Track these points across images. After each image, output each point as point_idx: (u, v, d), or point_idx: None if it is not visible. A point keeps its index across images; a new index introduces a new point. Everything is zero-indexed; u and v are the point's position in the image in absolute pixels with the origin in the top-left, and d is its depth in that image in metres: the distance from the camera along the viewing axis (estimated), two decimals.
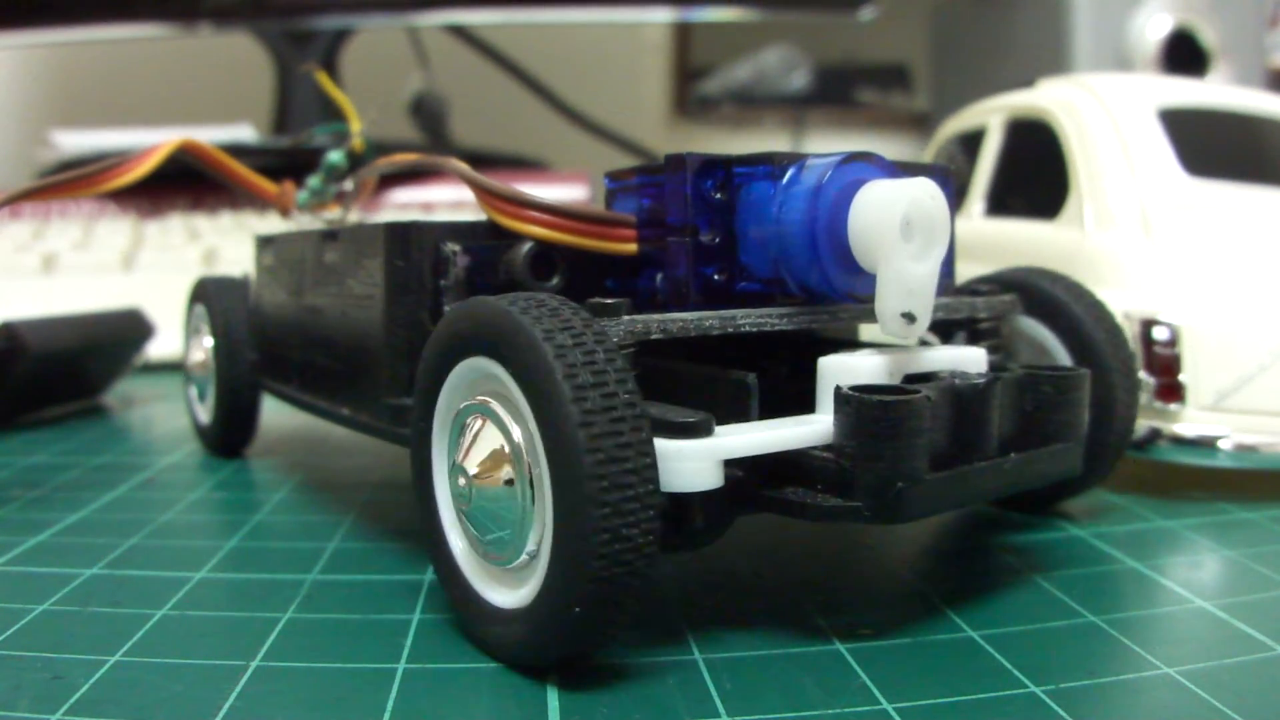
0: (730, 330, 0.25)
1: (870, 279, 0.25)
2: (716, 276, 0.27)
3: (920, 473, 0.22)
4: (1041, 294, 0.32)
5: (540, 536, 0.22)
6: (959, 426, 0.24)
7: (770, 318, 0.26)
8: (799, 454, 0.23)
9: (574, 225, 0.27)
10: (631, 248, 0.28)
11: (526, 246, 0.28)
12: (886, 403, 0.22)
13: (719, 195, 0.26)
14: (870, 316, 0.26)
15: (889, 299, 0.24)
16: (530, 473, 0.22)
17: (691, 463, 0.22)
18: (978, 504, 0.25)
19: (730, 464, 0.23)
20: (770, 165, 0.26)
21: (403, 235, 0.28)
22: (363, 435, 0.48)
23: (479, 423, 0.23)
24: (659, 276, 0.27)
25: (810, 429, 0.23)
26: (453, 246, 0.28)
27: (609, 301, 0.24)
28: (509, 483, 0.22)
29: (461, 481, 0.23)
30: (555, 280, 0.28)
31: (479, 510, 0.23)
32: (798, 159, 0.26)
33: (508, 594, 0.23)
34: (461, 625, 0.25)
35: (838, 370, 0.25)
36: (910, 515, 0.23)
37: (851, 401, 0.23)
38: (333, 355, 0.33)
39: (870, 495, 0.22)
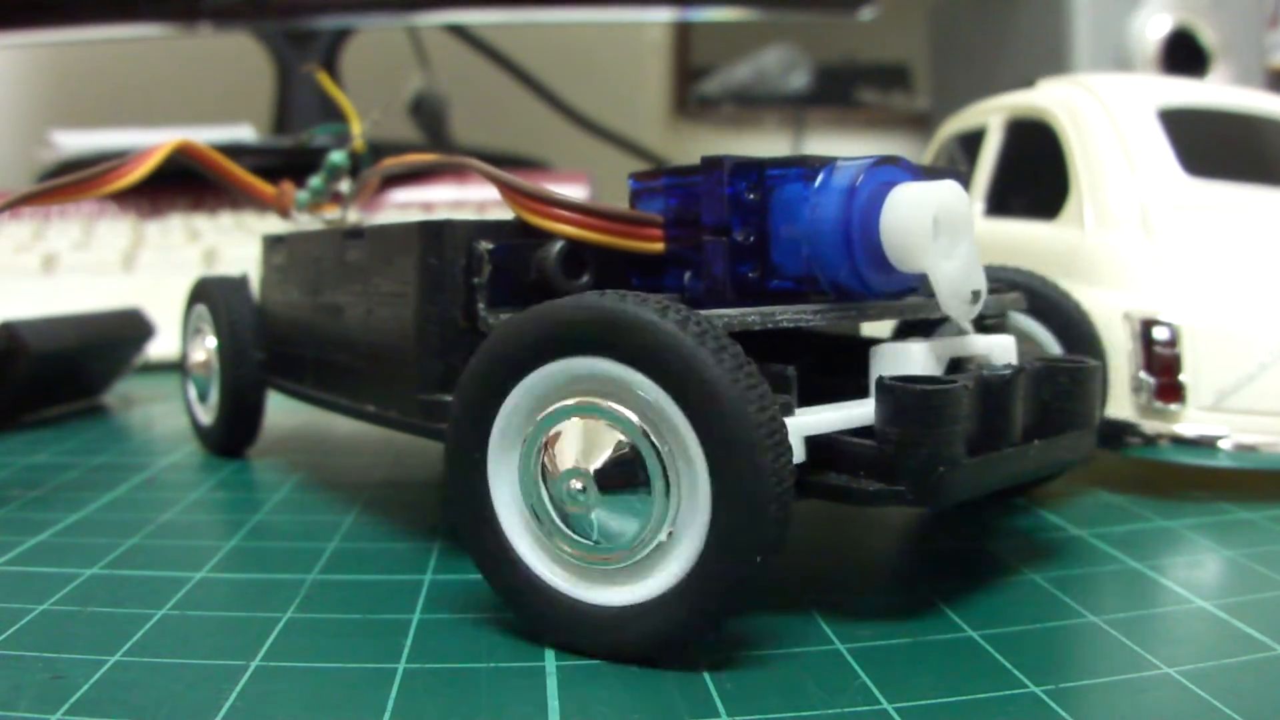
0: (770, 325, 0.26)
1: (899, 276, 0.26)
2: (750, 274, 0.28)
3: (959, 458, 0.24)
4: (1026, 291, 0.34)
5: (673, 523, 0.22)
6: (988, 415, 0.26)
7: (806, 314, 0.27)
8: (838, 441, 0.25)
9: (604, 224, 0.28)
10: (659, 247, 0.29)
11: (558, 245, 0.28)
12: (928, 391, 0.23)
13: (752, 196, 0.27)
14: (896, 311, 0.28)
15: (951, 287, 0.26)
16: (666, 464, 0.22)
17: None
18: (1007, 486, 0.26)
19: None
20: (803, 168, 0.27)
21: (437, 233, 0.29)
22: (364, 435, 0.48)
23: (586, 423, 0.23)
24: (687, 275, 0.28)
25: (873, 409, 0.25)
26: (485, 245, 0.28)
27: (664, 298, 0.25)
28: (639, 480, 0.23)
29: (575, 484, 0.23)
30: (585, 278, 0.28)
31: (589, 513, 0.23)
32: (829, 162, 0.27)
33: (624, 591, 0.23)
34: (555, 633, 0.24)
35: (891, 355, 0.26)
36: (951, 498, 0.24)
37: (894, 391, 0.24)
38: (355, 353, 0.34)
39: (913, 479, 0.23)
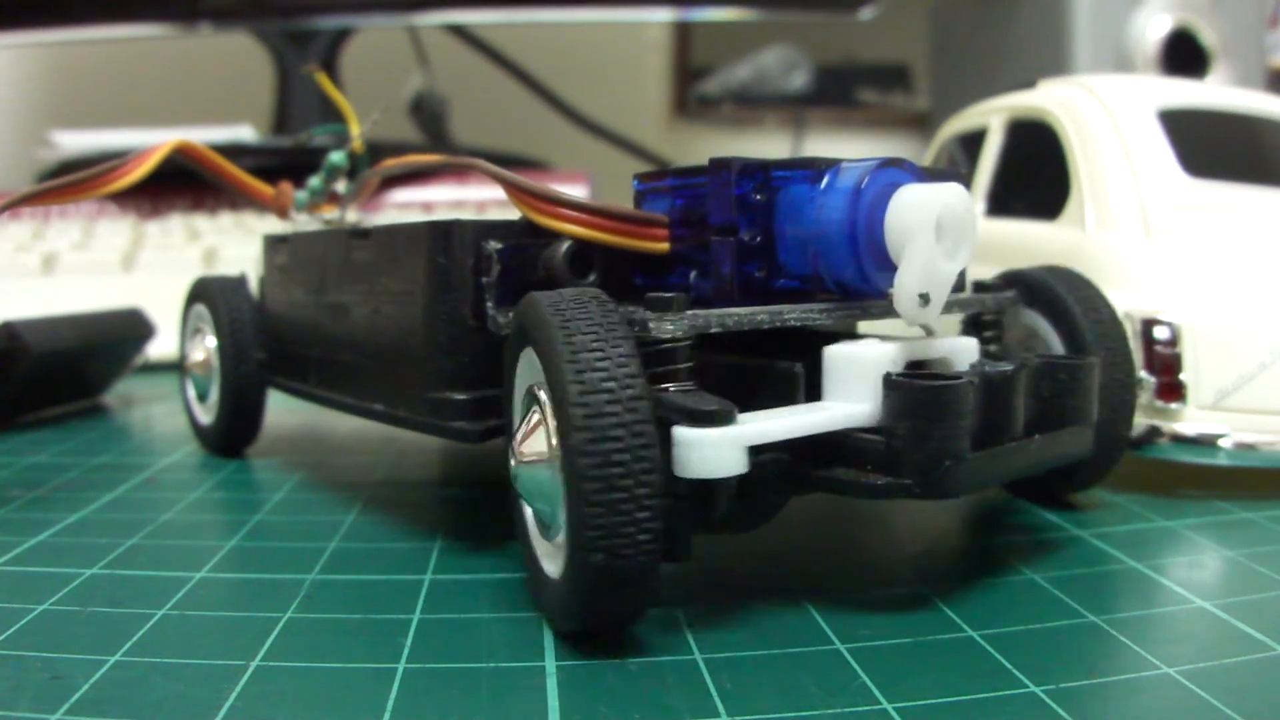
0: (778, 324, 0.27)
1: None
2: (757, 274, 0.28)
3: (964, 452, 0.24)
4: (1052, 293, 0.33)
5: (561, 511, 0.23)
6: (991, 410, 0.26)
7: (813, 312, 0.27)
8: (845, 436, 0.25)
9: (610, 224, 0.28)
10: (664, 246, 0.29)
11: (565, 244, 0.28)
12: (935, 387, 0.24)
13: (759, 197, 0.28)
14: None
15: (909, 279, 0.26)
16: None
17: (713, 450, 0.23)
18: (1009, 480, 0.27)
19: (776, 448, 0.24)
20: (809, 169, 0.27)
21: (446, 233, 0.29)
22: (364, 435, 0.48)
23: (531, 407, 0.24)
24: (693, 274, 0.29)
25: (824, 414, 0.25)
26: (494, 244, 0.28)
27: (667, 296, 0.25)
28: (543, 462, 0.23)
29: (513, 461, 0.24)
30: (592, 277, 0.29)
31: (528, 487, 0.24)
32: (834, 163, 0.27)
33: (550, 565, 0.24)
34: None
35: (843, 359, 0.26)
36: (956, 491, 0.24)
37: (902, 387, 0.24)
38: (361, 352, 0.34)
39: (920, 473, 0.24)
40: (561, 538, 0.23)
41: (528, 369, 0.25)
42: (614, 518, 0.21)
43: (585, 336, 0.22)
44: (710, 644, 0.24)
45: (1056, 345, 0.33)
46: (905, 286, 0.26)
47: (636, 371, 0.22)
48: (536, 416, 0.24)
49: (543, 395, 0.24)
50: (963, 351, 0.29)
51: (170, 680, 0.22)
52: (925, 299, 0.26)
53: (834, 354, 0.26)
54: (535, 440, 0.23)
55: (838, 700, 0.21)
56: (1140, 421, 0.35)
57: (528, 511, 0.26)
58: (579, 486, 0.21)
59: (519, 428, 0.24)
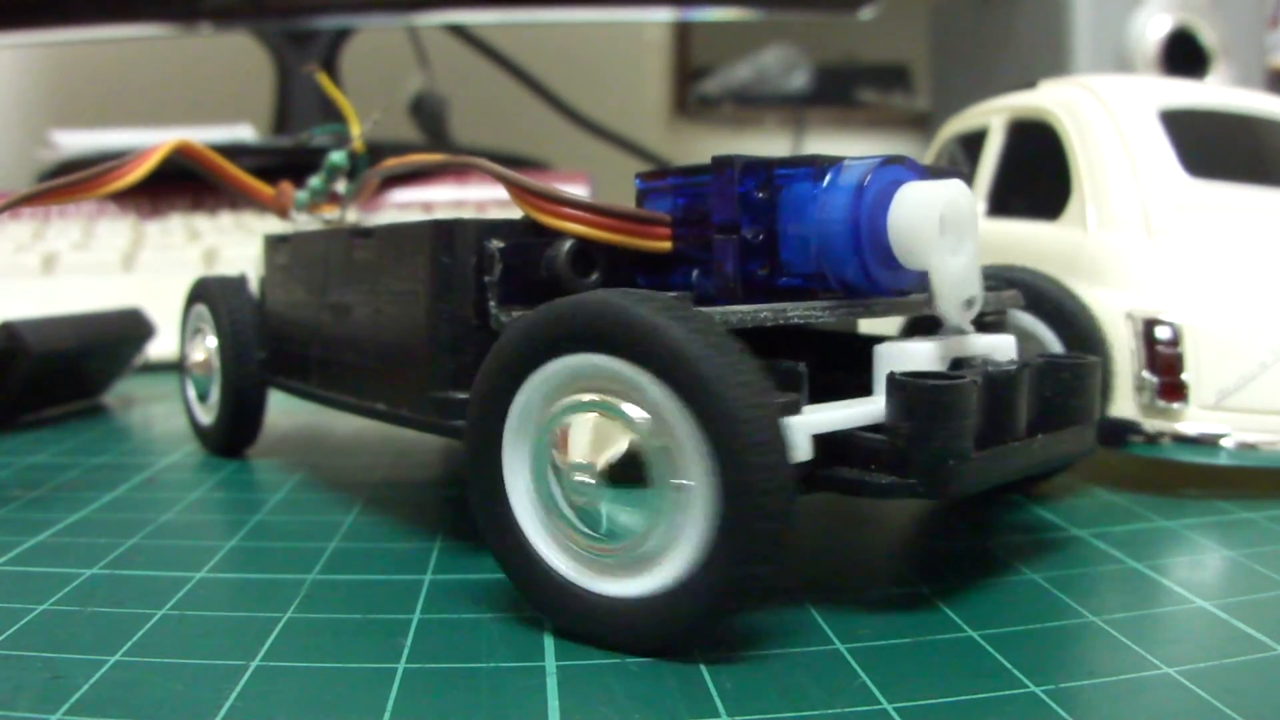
0: (781, 322, 0.27)
1: (906, 274, 0.27)
2: (760, 272, 0.28)
3: (968, 451, 0.24)
4: (1028, 288, 0.35)
5: (676, 519, 0.22)
6: (994, 410, 0.26)
7: (815, 310, 0.27)
8: (849, 436, 0.25)
9: (613, 223, 0.28)
10: (666, 245, 0.29)
11: (568, 244, 0.28)
12: (939, 387, 0.24)
13: (761, 195, 0.28)
14: (903, 308, 0.29)
15: (948, 290, 0.27)
16: (668, 460, 0.22)
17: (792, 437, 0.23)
18: (1013, 479, 0.27)
19: None
20: (812, 167, 0.27)
21: (448, 232, 0.29)
22: (364, 435, 0.48)
23: (593, 418, 0.23)
24: (695, 273, 0.29)
25: (878, 407, 0.25)
26: (496, 243, 0.29)
27: (675, 295, 0.25)
28: (642, 475, 0.23)
29: (581, 477, 0.23)
30: (594, 277, 0.29)
31: (593, 506, 0.23)
32: (836, 161, 0.27)
33: (629, 584, 0.23)
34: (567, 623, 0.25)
35: (894, 355, 0.27)
36: (960, 491, 0.24)
37: (906, 387, 0.24)
38: (363, 351, 0.34)
39: (924, 473, 0.24)
40: (667, 554, 0.23)
41: (574, 374, 0.24)
42: (771, 523, 0.21)
43: (726, 355, 0.22)
44: (711, 644, 0.24)
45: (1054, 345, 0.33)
46: (948, 298, 0.26)
47: (763, 379, 0.22)
48: (612, 430, 0.23)
49: (626, 406, 0.23)
50: (1003, 348, 0.29)
51: (170, 680, 0.22)
52: (971, 303, 0.27)
53: (885, 351, 0.27)
54: (616, 454, 0.23)
55: (838, 700, 0.21)
56: (1141, 421, 0.36)
57: (534, 525, 0.25)
58: (752, 500, 0.21)
59: (571, 442, 0.24)
